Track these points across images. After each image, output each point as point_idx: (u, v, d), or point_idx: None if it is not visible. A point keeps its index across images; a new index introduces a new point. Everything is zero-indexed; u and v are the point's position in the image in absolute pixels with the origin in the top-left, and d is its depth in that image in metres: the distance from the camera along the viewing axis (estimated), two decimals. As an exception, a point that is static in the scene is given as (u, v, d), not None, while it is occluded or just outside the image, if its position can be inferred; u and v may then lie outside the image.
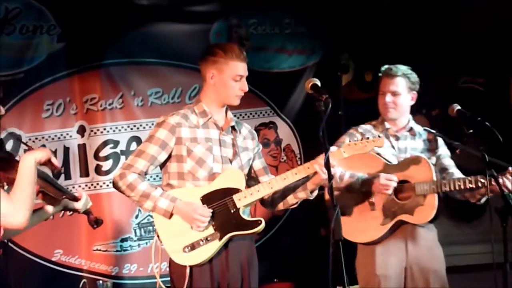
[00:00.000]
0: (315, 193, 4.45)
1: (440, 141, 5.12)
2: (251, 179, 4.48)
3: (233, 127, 4.44)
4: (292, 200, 4.48)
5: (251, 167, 4.51)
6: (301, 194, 4.43)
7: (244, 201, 4.27)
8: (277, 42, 7.02)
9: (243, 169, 4.39)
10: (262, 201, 4.51)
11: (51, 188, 3.97)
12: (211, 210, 4.24)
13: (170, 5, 6.67)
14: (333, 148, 4.38)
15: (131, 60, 6.51)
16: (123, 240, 6.39)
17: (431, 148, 5.09)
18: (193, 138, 4.29)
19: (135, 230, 6.42)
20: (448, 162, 5.08)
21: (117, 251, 6.36)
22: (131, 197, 4.25)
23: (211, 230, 4.24)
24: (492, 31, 7.56)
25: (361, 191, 4.91)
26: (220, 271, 4.28)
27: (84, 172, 6.29)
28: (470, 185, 4.76)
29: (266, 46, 6.98)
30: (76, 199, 4.13)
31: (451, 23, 7.47)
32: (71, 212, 4.45)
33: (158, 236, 4.29)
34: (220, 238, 4.24)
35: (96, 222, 4.28)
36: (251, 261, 4.39)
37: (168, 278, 4.34)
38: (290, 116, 7.00)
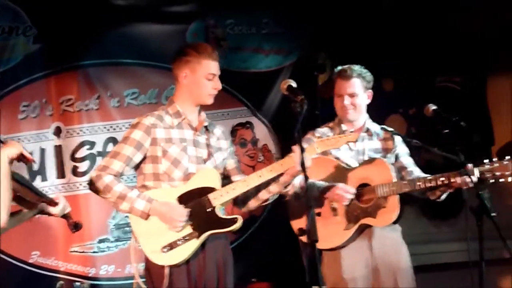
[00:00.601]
0: (290, 187, 4.48)
1: (398, 139, 5.12)
2: (224, 178, 4.50)
3: (206, 128, 4.47)
4: (264, 195, 4.49)
5: (224, 167, 4.53)
6: (273, 188, 4.44)
7: (220, 199, 4.29)
8: (254, 42, 7.02)
9: (217, 169, 4.40)
10: (235, 201, 4.52)
11: (27, 191, 3.96)
12: (188, 210, 4.25)
13: (147, 6, 6.65)
14: (305, 144, 4.41)
15: (108, 61, 6.49)
16: (100, 241, 6.37)
17: (389, 147, 5.09)
18: (168, 139, 4.31)
19: (112, 231, 6.40)
20: (407, 160, 5.09)
21: (94, 252, 6.34)
22: (107, 199, 4.25)
23: (188, 229, 4.26)
24: (469, 30, 7.60)
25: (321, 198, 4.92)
26: (197, 271, 4.30)
27: (61, 174, 6.27)
28: (430, 184, 4.79)
29: (243, 46, 6.98)
30: (53, 203, 4.12)
31: (428, 22, 7.50)
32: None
33: (135, 237, 4.29)
34: (198, 237, 4.26)
35: (75, 226, 4.30)
36: (226, 261, 4.42)
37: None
38: (267, 116, 7.00)
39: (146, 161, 4.33)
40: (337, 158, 5.00)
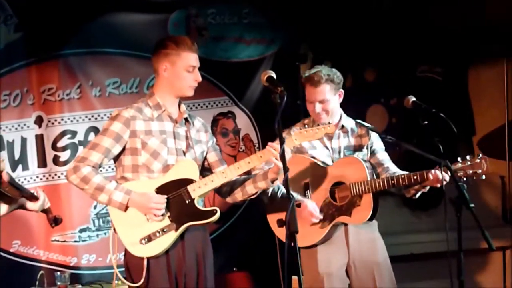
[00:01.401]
0: (276, 182, 4.50)
1: (374, 134, 5.14)
2: (206, 171, 4.52)
3: (186, 119, 4.48)
4: (251, 189, 4.52)
5: (205, 159, 4.54)
6: (261, 184, 4.48)
7: (198, 191, 4.32)
8: (235, 32, 7.01)
9: (197, 161, 4.42)
10: (220, 191, 4.54)
11: (8, 186, 3.96)
12: (166, 197, 4.27)
13: (129, -5, 6.65)
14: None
15: (89, 50, 6.45)
16: (81, 230, 6.36)
17: (364, 143, 5.11)
18: (147, 131, 4.32)
19: (93, 221, 6.40)
20: (382, 156, 5.12)
21: (75, 241, 6.32)
22: (85, 190, 4.27)
23: (167, 221, 4.27)
24: (451, 20, 7.63)
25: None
26: (177, 262, 4.32)
27: (42, 163, 6.24)
28: (404, 183, 4.83)
29: (225, 35, 6.97)
30: (33, 198, 4.13)
31: (409, 13, 7.53)
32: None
33: (114, 229, 4.31)
34: (177, 229, 4.28)
35: (54, 221, 4.31)
36: (206, 252, 4.44)
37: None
38: (248, 105, 7.00)
39: (125, 153, 4.34)
40: (313, 157, 5.01)
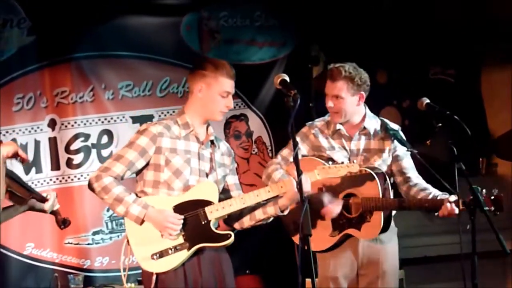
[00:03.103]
0: (287, 211, 4.45)
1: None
2: (223, 194, 4.51)
3: (212, 142, 4.47)
4: (260, 215, 4.50)
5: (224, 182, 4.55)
6: (270, 210, 4.45)
7: (215, 214, 4.31)
8: (248, 35, 7.03)
9: (218, 184, 4.42)
10: (229, 217, 4.53)
11: (18, 187, 3.98)
12: (182, 217, 4.27)
13: (141, -2, 6.67)
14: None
15: (102, 53, 6.49)
16: (94, 233, 6.39)
17: (386, 146, 4.97)
18: (172, 149, 4.33)
19: (106, 223, 6.42)
20: (407, 164, 4.99)
21: (88, 244, 6.35)
22: (105, 200, 4.27)
23: (180, 239, 4.28)
24: (463, 22, 7.61)
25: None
26: (193, 276, 4.32)
27: (55, 166, 6.27)
28: (415, 208, 4.84)
29: (237, 38, 6.98)
30: (43, 200, 4.15)
31: (422, 14, 7.51)
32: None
33: (128, 241, 4.31)
34: (189, 248, 4.28)
35: (63, 223, 4.33)
36: (225, 269, 4.43)
37: (140, 271, 4.39)
38: (261, 108, 7.01)
39: (149, 168, 4.35)
40: (331, 159, 4.88)
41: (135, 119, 6.54)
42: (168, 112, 6.58)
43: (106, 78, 6.49)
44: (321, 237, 4.87)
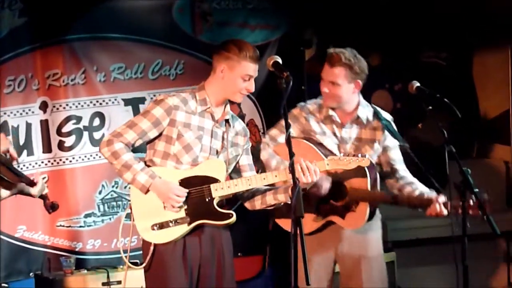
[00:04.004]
0: None
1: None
2: (235, 173, 4.53)
3: (227, 121, 4.48)
4: (271, 200, 4.51)
5: (237, 162, 4.55)
6: (281, 197, 4.46)
7: (220, 192, 4.33)
8: (240, 17, 7.01)
9: (228, 163, 4.44)
10: (241, 195, 4.55)
11: (7, 171, 3.99)
12: (187, 191, 4.29)
13: (133, -20, 6.64)
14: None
15: (94, 35, 6.45)
16: (86, 215, 6.38)
17: (378, 137, 4.93)
18: (186, 124, 4.34)
19: (98, 206, 6.42)
20: (395, 156, 4.97)
21: (80, 226, 6.35)
22: (113, 165, 4.30)
23: (182, 213, 4.30)
24: (454, 5, 7.62)
25: None
26: (193, 254, 4.34)
27: (47, 148, 6.25)
28: (403, 204, 4.83)
29: (230, 21, 6.96)
30: (32, 184, 4.16)
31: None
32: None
33: (131, 209, 4.34)
34: (189, 223, 4.31)
35: (52, 207, 4.34)
36: (226, 249, 4.46)
37: (135, 253, 4.47)
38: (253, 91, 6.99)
39: (161, 138, 4.37)
40: (321, 144, 4.88)
41: (127, 102, 6.53)
42: (160, 95, 6.54)
43: (98, 60, 6.46)
44: (304, 221, 4.81)
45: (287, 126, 3.95)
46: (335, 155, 4.70)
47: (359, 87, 4.89)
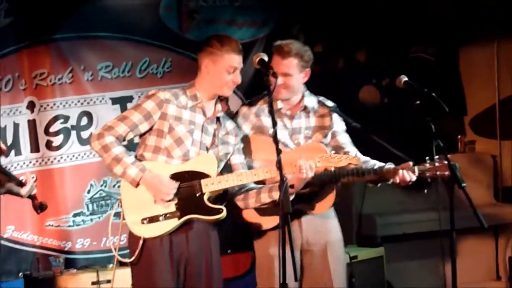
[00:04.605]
0: (292, 196, 4.40)
1: (336, 116, 4.97)
2: (227, 172, 4.53)
3: (218, 119, 4.50)
4: (265, 198, 4.54)
5: (228, 161, 4.56)
6: (276, 195, 4.47)
7: (211, 187, 4.34)
8: (227, 15, 7.02)
9: (218, 160, 4.45)
10: (235, 195, 4.56)
11: None
12: (177, 185, 4.30)
13: (120, -21, 6.63)
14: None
15: (81, 34, 6.44)
16: (75, 215, 6.38)
17: (326, 124, 4.94)
18: (177, 117, 4.37)
19: (87, 205, 6.42)
20: (344, 139, 4.96)
21: (69, 226, 6.35)
22: (104, 158, 4.32)
23: (172, 207, 4.31)
24: (442, 1, 7.65)
25: None
26: (180, 249, 4.35)
27: (35, 148, 6.24)
28: (370, 177, 4.75)
29: (216, 18, 6.97)
30: (20, 184, 4.16)
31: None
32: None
33: (121, 203, 4.34)
34: (179, 218, 4.31)
35: (40, 207, 4.34)
36: (213, 246, 4.47)
37: (125, 252, 4.43)
38: (240, 88, 6.98)
39: (152, 133, 4.40)
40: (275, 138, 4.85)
41: (115, 101, 6.53)
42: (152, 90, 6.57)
43: (85, 59, 6.45)
44: (270, 214, 4.75)
45: (274, 123, 3.97)
46: (289, 147, 4.79)
47: (308, 75, 4.90)
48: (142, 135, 4.45)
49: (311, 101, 4.96)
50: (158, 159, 4.38)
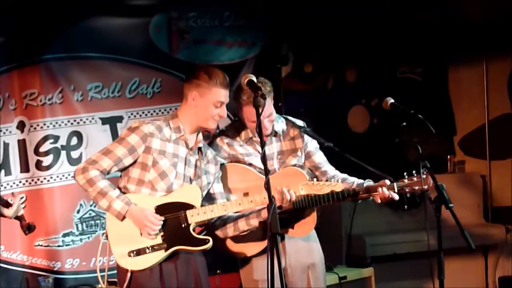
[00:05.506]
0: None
1: (307, 136, 5.01)
2: (208, 201, 4.55)
3: (200, 149, 4.52)
4: (243, 226, 4.61)
5: (208, 191, 4.58)
6: (253, 221, 4.54)
7: (196, 218, 4.38)
8: (217, 35, 7.02)
9: (202, 190, 4.45)
10: (213, 224, 4.58)
11: None
12: (163, 218, 4.31)
13: (110, -1, 6.65)
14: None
15: (71, 54, 6.43)
16: (65, 235, 6.35)
17: (298, 146, 5.00)
18: (161, 151, 4.39)
19: (77, 225, 6.40)
20: (319, 158, 5.02)
21: (59, 246, 6.32)
22: (89, 192, 4.35)
23: (159, 240, 4.34)
24: (430, 20, 7.69)
25: None
26: (170, 279, 4.37)
27: (25, 168, 6.23)
28: (350, 198, 4.78)
29: (206, 38, 6.97)
30: (7, 204, 4.17)
31: (390, 13, 7.58)
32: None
33: (107, 236, 4.35)
34: (166, 249, 4.35)
35: (28, 228, 4.35)
36: (201, 273, 4.49)
37: (114, 272, 4.47)
38: (231, 108, 6.99)
39: (135, 165, 4.43)
40: (250, 164, 4.90)
41: (105, 121, 6.52)
42: (137, 113, 6.58)
43: (75, 79, 6.45)
44: (252, 240, 4.81)
45: (262, 145, 3.99)
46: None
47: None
48: (125, 168, 4.46)
49: (280, 125, 5.01)
50: (142, 191, 4.40)
